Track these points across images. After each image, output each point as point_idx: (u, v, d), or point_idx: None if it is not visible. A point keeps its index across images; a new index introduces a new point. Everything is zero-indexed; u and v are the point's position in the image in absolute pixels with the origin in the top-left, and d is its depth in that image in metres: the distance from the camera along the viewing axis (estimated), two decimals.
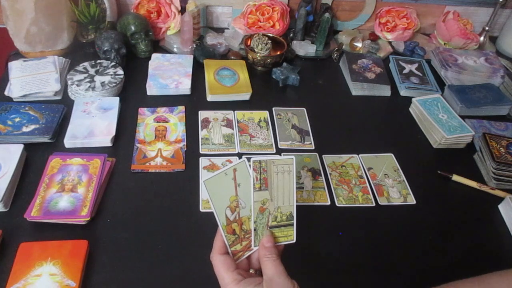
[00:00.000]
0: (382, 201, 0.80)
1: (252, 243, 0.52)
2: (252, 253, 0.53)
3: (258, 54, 1.09)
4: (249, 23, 1.21)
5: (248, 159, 0.51)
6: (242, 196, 0.52)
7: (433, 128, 0.95)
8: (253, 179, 0.50)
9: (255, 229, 0.51)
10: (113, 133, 0.86)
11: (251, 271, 0.52)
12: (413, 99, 1.03)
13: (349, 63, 1.14)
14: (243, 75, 1.07)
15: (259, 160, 0.51)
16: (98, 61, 1.02)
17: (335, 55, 1.22)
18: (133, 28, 1.08)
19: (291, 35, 1.24)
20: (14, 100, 0.92)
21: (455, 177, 0.86)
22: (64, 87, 0.98)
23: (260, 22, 1.20)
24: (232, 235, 0.51)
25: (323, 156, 0.89)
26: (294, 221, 0.53)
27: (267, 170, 0.51)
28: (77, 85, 0.94)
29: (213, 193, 0.50)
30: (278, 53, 1.12)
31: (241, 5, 1.23)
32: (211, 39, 1.20)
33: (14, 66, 0.96)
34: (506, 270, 0.53)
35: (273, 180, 0.51)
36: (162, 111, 0.95)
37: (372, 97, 1.09)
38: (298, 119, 0.98)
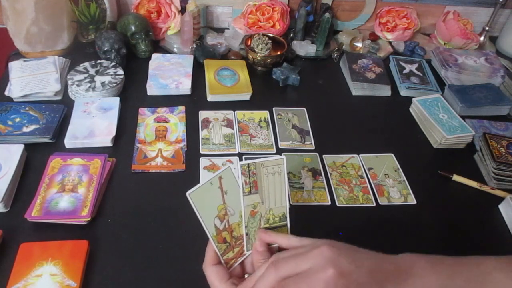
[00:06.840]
0: (383, 201, 0.80)
1: (245, 247, 0.51)
2: (246, 258, 0.52)
3: (258, 54, 1.09)
4: (249, 23, 1.21)
5: (241, 160, 0.50)
6: (230, 203, 0.50)
7: (433, 128, 0.95)
8: (242, 184, 0.49)
9: (247, 234, 0.50)
10: (114, 133, 0.86)
11: (246, 276, 0.51)
12: (413, 99, 1.03)
13: (349, 63, 1.14)
14: (243, 75, 1.07)
15: (247, 164, 0.49)
16: (98, 61, 1.02)
17: (335, 55, 1.22)
18: (133, 28, 1.08)
19: (291, 35, 1.24)
20: (14, 100, 0.92)
21: (456, 177, 0.86)
22: (64, 87, 0.98)
23: (260, 22, 1.20)
24: (223, 244, 0.50)
25: (323, 156, 0.89)
26: (288, 222, 0.52)
27: (256, 173, 0.50)
28: (77, 85, 0.94)
29: (200, 205, 0.48)
30: (278, 53, 1.12)
31: (241, 5, 1.23)
32: (211, 39, 1.20)
33: (14, 66, 0.96)
34: (504, 257, 0.50)
35: (263, 182, 0.50)
36: (162, 111, 0.95)
37: (372, 97, 1.09)
38: (299, 119, 0.98)
